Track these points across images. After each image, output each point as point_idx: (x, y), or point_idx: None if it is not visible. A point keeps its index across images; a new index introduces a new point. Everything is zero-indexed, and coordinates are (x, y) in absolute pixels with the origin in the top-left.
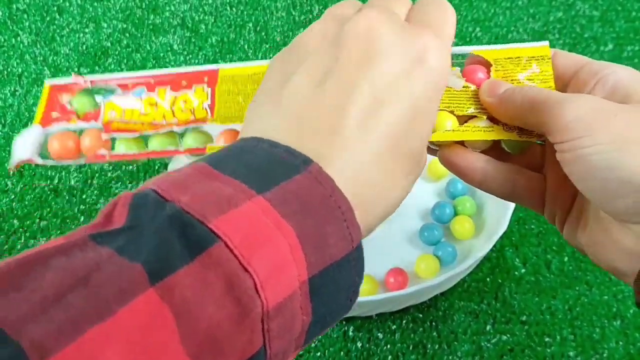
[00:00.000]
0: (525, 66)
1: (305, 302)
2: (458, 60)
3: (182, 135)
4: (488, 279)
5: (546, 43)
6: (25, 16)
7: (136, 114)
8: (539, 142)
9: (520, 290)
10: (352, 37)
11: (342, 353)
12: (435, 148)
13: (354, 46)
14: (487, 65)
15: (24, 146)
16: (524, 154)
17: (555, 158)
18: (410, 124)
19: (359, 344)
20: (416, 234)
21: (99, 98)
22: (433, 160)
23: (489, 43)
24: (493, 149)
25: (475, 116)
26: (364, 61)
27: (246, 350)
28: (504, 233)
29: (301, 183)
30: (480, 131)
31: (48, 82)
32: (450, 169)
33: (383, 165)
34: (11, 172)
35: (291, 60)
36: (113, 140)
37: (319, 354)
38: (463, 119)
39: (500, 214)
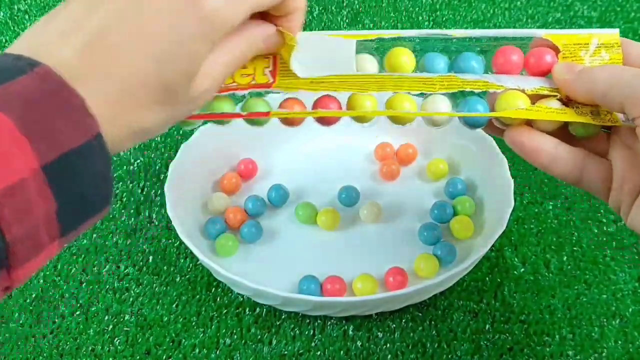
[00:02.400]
0: (594, 53)
1: (43, 187)
2: (524, 42)
3: (242, 99)
4: (487, 279)
5: (616, 31)
6: (27, 17)
7: None
8: (604, 129)
9: (519, 289)
10: None
11: (341, 352)
12: (502, 127)
13: None
14: (554, 49)
15: None
16: (590, 138)
17: (625, 142)
18: (165, 52)
19: (359, 343)
20: (415, 233)
21: None
22: (433, 161)
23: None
24: (558, 133)
25: (545, 96)
26: None
27: None
28: (503, 233)
29: (25, 82)
30: (552, 112)
31: None
32: (516, 149)
33: (131, 90)
34: None
35: None
36: None
37: (318, 352)
38: (533, 100)
39: (499, 213)
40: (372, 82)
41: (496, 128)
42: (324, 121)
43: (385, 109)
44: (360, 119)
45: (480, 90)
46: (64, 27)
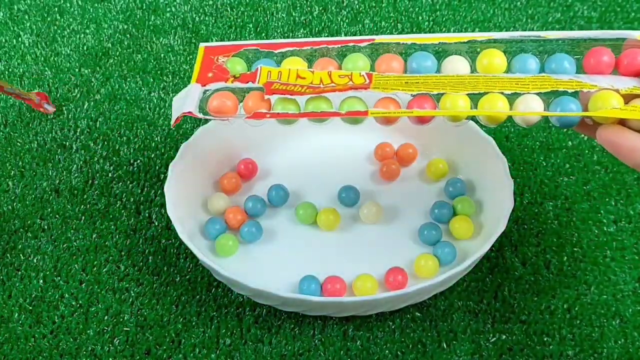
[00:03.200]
0: None
1: None
2: (617, 42)
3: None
4: (487, 279)
5: None
6: (27, 17)
7: (293, 76)
8: None
9: (519, 289)
10: None
11: (341, 352)
12: (592, 124)
13: None
14: None
15: (184, 102)
16: None
17: None
18: None
19: (359, 343)
20: (416, 233)
21: (256, 63)
22: (433, 161)
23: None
24: None
25: (638, 96)
26: None
27: None
28: (503, 233)
29: None
30: None
31: (202, 45)
32: (609, 147)
33: None
34: (173, 127)
35: None
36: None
37: (318, 352)
38: (626, 99)
39: (499, 213)
40: (465, 82)
41: (588, 127)
42: (420, 120)
43: (478, 109)
44: (454, 119)
45: (574, 90)
46: None
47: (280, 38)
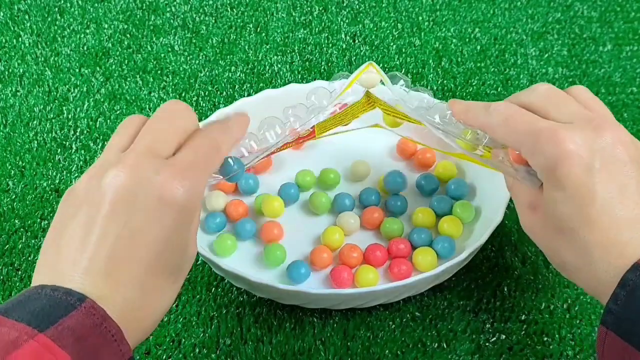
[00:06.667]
0: None
1: None
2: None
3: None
4: (487, 278)
5: None
6: (27, 17)
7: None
8: None
9: (519, 289)
10: (105, 193)
11: (342, 351)
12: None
13: (103, 201)
14: None
15: None
16: None
17: None
18: (162, 250)
19: (359, 342)
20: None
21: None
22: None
23: (487, 44)
24: None
25: None
26: (112, 213)
27: None
28: (504, 233)
29: (77, 318)
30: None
31: None
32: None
33: (147, 288)
34: None
35: (66, 211)
36: None
37: (319, 352)
38: None
39: (497, 203)
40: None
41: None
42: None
43: None
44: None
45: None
46: (75, 256)
47: (279, 38)
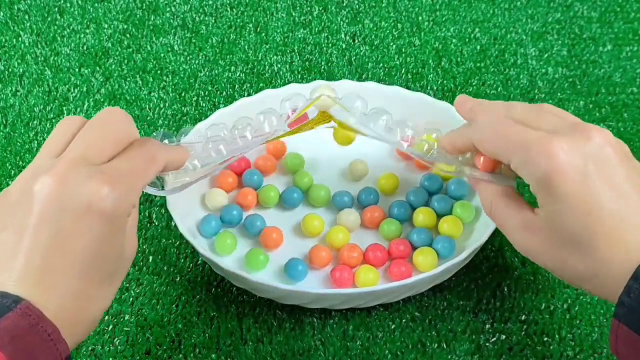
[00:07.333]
0: None
1: None
2: None
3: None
4: (487, 278)
5: None
6: (27, 17)
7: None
8: None
9: (519, 289)
10: (35, 201)
11: (341, 352)
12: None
13: (33, 209)
14: None
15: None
16: None
17: None
18: (94, 257)
19: (359, 343)
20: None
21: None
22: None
23: (487, 44)
24: None
25: None
26: (42, 222)
27: None
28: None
29: (12, 319)
30: None
31: None
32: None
33: (81, 294)
34: None
35: (0, 217)
36: None
37: (319, 352)
38: None
39: None
40: None
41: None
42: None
43: None
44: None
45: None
46: (8, 264)
47: (279, 38)
